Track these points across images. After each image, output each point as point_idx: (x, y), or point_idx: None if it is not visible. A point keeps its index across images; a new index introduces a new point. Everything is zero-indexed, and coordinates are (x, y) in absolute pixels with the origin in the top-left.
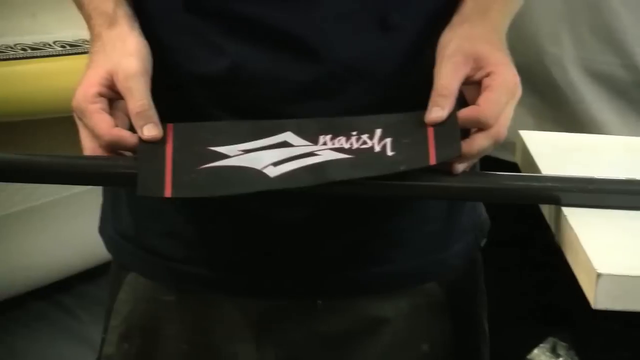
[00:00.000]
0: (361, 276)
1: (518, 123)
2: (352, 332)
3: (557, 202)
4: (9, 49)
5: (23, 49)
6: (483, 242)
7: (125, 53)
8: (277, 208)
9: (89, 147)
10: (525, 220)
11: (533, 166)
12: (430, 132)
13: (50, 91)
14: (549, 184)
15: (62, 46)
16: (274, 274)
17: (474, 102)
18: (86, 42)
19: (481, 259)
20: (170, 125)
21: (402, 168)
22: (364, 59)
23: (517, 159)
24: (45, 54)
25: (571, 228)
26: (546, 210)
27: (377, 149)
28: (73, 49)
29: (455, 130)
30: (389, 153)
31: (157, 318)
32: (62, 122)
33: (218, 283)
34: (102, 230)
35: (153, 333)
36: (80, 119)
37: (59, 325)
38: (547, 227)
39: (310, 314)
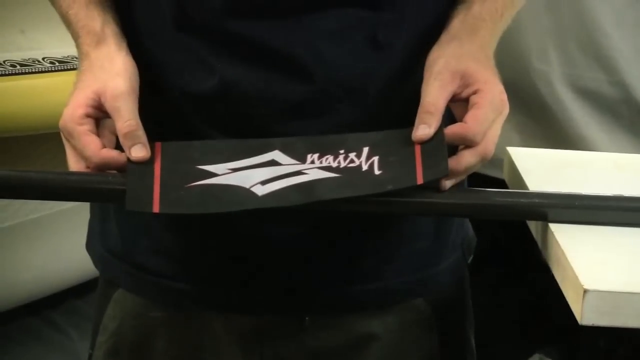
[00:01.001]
0: (351, 293)
1: (505, 139)
2: (342, 348)
3: (544, 219)
4: None
5: (12, 65)
6: (470, 259)
7: (113, 73)
8: (266, 225)
9: (76, 167)
10: (512, 235)
11: (520, 182)
12: (417, 149)
13: (39, 107)
14: (536, 200)
15: (52, 62)
16: (263, 291)
17: (461, 120)
18: (75, 59)
19: (468, 275)
20: (158, 144)
21: (389, 187)
22: (354, 77)
23: (504, 175)
24: (34, 70)
25: (558, 244)
26: (533, 226)
27: (365, 167)
28: (62, 65)
29: (443, 147)
30: (377, 172)
31: (144, 334)
32: (50, 138)
33: (206, 299)
34: (89, 247)
35: (140, 349)
36: (68, 140)
37: (46, 340)
38: (534, 242)
39: (299, 330)
